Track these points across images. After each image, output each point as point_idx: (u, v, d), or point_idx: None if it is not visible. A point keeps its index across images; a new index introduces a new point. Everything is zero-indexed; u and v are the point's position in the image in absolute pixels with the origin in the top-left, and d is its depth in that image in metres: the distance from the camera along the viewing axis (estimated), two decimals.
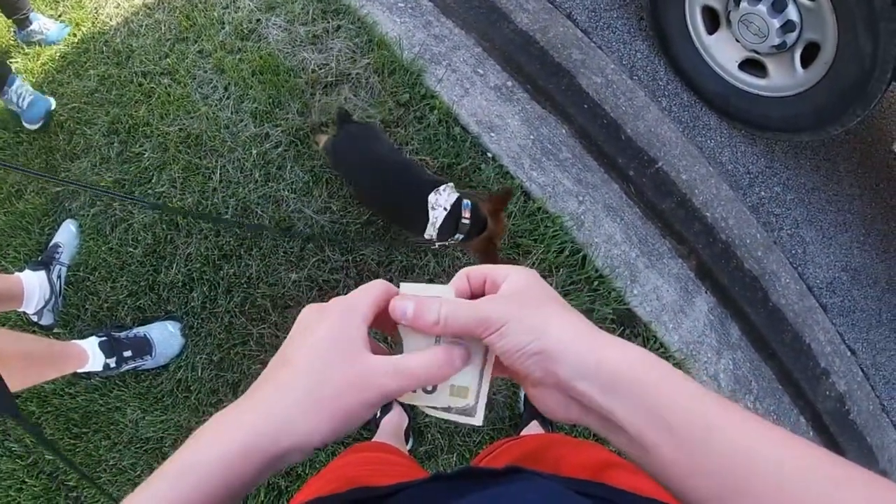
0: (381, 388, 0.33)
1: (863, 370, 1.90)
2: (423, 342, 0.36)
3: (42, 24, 1.76)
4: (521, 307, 0.34)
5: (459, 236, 1.11)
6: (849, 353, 1.88)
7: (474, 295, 0.37)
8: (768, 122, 1.74)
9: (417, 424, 1.39)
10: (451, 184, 1.10)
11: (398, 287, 0.37)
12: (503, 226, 1.15)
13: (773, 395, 1.73)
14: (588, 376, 0.31)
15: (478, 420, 0.36)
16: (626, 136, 1.70)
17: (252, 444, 0.31)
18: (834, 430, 1.83)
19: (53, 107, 1.67)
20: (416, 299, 0.35)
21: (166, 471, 0.31)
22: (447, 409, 0.37)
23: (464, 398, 0.36)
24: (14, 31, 1.78)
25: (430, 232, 1.09)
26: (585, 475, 0.57)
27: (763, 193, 1.84)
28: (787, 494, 0.27)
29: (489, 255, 1.16)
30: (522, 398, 1.43)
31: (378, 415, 1.35)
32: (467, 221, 1.07)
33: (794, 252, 1.84)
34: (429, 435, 1.38)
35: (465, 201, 1.10)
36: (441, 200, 1.07)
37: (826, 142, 1.97)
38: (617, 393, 0.31)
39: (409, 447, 1.38)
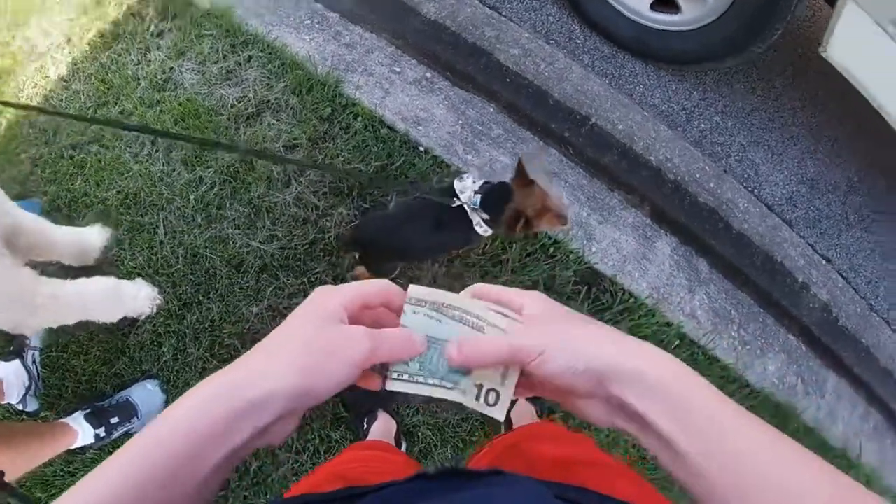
0: (353, 342, 0.35)
1: (842, 275, 1.90)
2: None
3: None
4: (554, 333, 0.37)
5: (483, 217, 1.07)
6: (824, 262, 1.89)
7: None
8: (691, 55, 1.75)
9: (406, 426, 1.40)
10: (472, 172, 1.10)
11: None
12: (534, 198, 1.06)
13: (755, 319, 1.73)
14: (634, 386, 0.34)
15: (500, 415, 0.38)
16: (555, 100, 1.70)
17: (222, 391, 0.33)
18: (826, 340, 1.83)
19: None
20: (472, 342, 0.37)
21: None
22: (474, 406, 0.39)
23: (489, 403, 0.38)
24: None
25: (477, 218, 1.07)
26: (557, 472, 0.58)
27: (703, 126, 1.85)
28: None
29: (522, 227, 1.07)
30: None
31: (365, 426, 1.36)
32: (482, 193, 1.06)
33: (746, 176, 1.85)
34: (419, 434, 1.39)
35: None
36: (468, 183, 1.07)
37: (756, 62, 1.97)
38: (656, 400, 0.34)
39: (403, 450, 1.39)
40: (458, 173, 1.53)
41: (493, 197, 1.07)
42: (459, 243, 1.13)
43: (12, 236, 1.27)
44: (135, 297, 1.39)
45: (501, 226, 1.09)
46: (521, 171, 1.08)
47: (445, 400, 0.39)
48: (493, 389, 0.38)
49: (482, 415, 0.41)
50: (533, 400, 1.40)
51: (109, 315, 1.36)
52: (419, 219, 1.15)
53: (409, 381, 0.38)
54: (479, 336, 0.38)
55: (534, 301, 0.39)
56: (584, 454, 0.70)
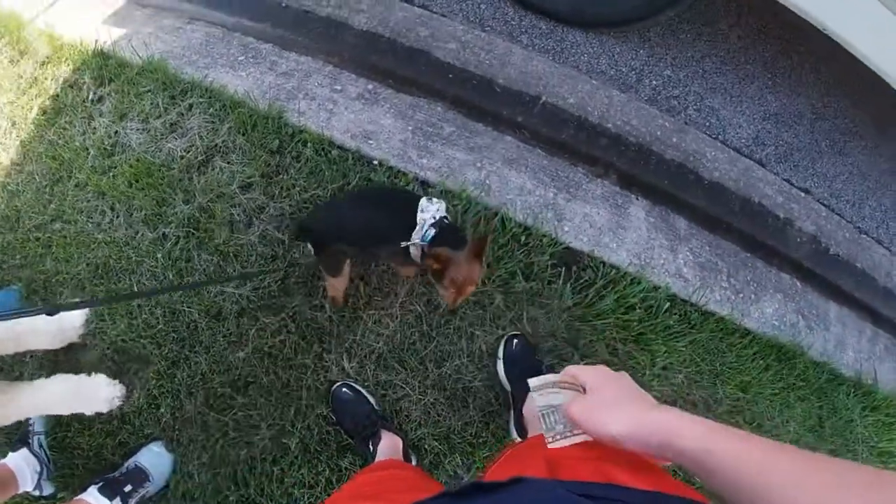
0: None
1: (824, 204, 1.88)
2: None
3: None
4: (590, 411, 0.53)
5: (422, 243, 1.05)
6: (803, 195, 1.86)
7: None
8: (628, 14, 1.72)
9: (412, 440, 1.39)
10: (443, 202, 1.09)
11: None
12: (466, 271, 1.03)
13: (744, 265, 1.71)
14: (651, 449, 0.48)
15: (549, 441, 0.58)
16: (501, 87, 1.68)
17: None
18: (819, 271, 1.81)
19: None
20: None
21: None
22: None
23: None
24: None
25: (415, 235, 1.05)
26: (579, 470, 0.60)
27: (655, 82, 1.82)
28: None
29: (446, 286, 1.06)
30: (503, 377, 1.43)
31: (371, 448, 1.35)
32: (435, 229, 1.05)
33: (708, 124, 1.82)
34: (426, 446, 1.38)
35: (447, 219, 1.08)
36: (431, 209, 1.06)
37: (697, 9, 1.94)
38: (681, 455, 0.45)
39: (413, 464, 1.38)
40: (417, 181, 1.52)
41: (445, 235, 1.05)
42: (393, 240, 1.09)
43: None
44: (95, 398, 1.40)
45: (423, 260, 1.07)
46: (479, 249, 1.03)
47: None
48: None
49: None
50: None
51: (67, 412, 1.39)
52: (368, 200, 1.17)
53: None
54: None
55: (591, 379, 0.55)
56: (603, 450, 0.70)
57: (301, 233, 1.32)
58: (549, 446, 0.57)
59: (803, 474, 0.37)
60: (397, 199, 1.22)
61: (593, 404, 0.53)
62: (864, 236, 1.94)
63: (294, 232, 1.44)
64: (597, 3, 1.72)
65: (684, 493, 0.53)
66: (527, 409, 1.37)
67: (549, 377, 0.60)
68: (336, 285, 1.34)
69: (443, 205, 1.08)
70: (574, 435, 0.57)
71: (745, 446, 0.41)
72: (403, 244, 1.06)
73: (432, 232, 1.04)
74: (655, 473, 0.62)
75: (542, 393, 0.60)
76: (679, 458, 0.45)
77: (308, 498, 1.42)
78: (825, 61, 1.96)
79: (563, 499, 0.43)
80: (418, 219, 1.05)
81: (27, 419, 1.60)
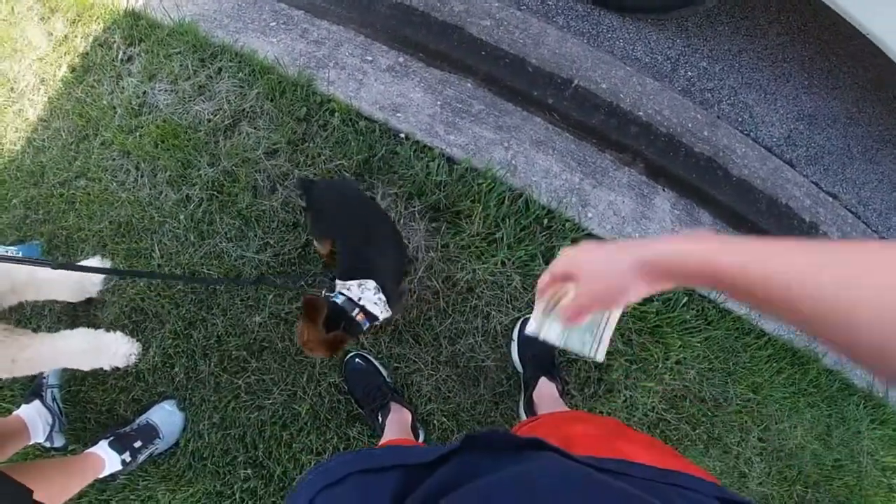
0: None
1: (851, 210, 1.84)
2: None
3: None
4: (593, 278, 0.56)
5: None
6: (831, 200, 1.83)
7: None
8: (666, 1, 1.68)
9: (420, 414, 1.39)
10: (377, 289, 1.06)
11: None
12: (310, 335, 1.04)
13: None
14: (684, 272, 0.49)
15: (600, 357, 0.64)
16: (533, 67, 1.66)
17: None
18: None
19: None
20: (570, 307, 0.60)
21: None
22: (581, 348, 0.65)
23: (589, 341, 0.64)
24: None
25: (347, 292, 1.05)
26: (592, 446, 0.60)
27: (690, 73, 1.79)
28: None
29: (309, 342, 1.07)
30: (516, 359, 1.42)
31: (380, 419, 1.36)
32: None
33: (740, 120, 1.79)
34: (434, 422, 1.39)
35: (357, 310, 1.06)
36: (355, 289, 1.05)
37: (735, 1, 1.90)
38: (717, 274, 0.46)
39: (421, 440, 1.39)
40: (443, 156, 1.51)
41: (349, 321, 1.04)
42: (350, 265, 1.11)
43: (9, 294, 1.29)
44: (113, 353, 1.42)
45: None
46: (313, 313, 1.01)
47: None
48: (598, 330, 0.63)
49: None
50: (552, 377, 1.37)
51: (86, 366, 1.41)
52: (361, 216, 1.17)
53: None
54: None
55: (564, 267, 0.59)
56: (616, 429, 0.70)
57: (302, 188, 1.35)
58: (598, 359, 0.62)
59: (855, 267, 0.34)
60: (386, 236, 1.19)
61: (592, 278, 0.55)
62: None
63: (297, 183, 1.46)
64: None
65: (694, 470, 0.52)
66: (537, 394, 1.37)
67: (536, 312, 0.63)
68: (319, 248, 1.37)
69: (375, 289, 1.05)
70: (606, 331, 0.61)
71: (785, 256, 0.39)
72: (334, 290, 1.05)
73: (357, 312, 1.03)
74: (664, 450, 0.62)
75: (546, 332, 0.63)
76: (716, 277, 0.44)
77: (316, 464, 1.43)
78: (863, 65, 1.91)
79: (580, 475, 0.44)
80: (359, 294, 1.04)
81: (41, 372, 1.62)
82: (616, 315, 0.62)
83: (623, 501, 0.41)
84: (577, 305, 0.57)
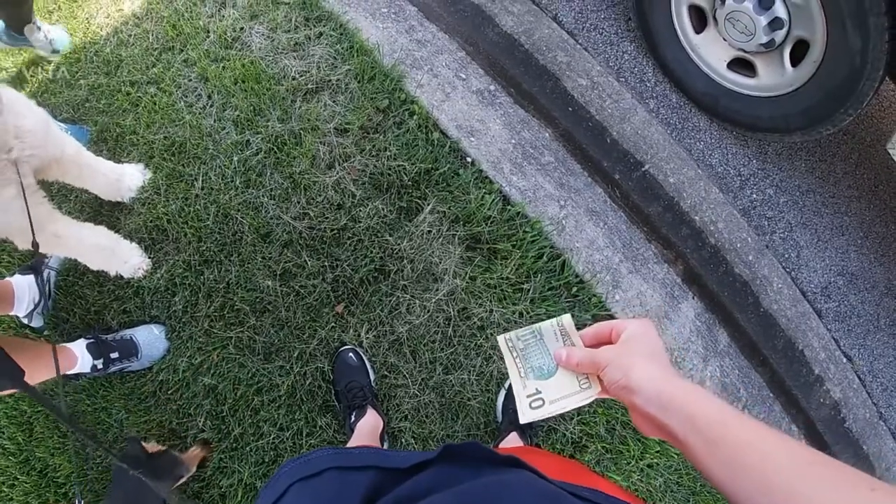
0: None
1: (859, 377, 1.85)
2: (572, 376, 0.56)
3: (47, 31, 1.76)
4: (620, 354, 0.51)
5: None
6: (844, 360, 1.83)
7: (601, 342, 0.56)
8: (758, 122, 1.70)
9: (392, 429, 1.39)
10: None
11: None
12: None
13: (763, 402, 1.69)
14: (653, 403, 0.46)
15: (522, 417, 0.55)
16: (612, 139, 1.67)
17: None
18: (828, 438, 1.78)
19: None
20: (571, 350, 0.56)
21: None
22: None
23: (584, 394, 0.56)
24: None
25: None
26: (564, 477, 0.60)
27: (755, 196, 1.80)
28: (771, 473, 0.39)
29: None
30: (500, 407, 1.42)
31: (353, 419, 1.36)
32: None
33: (787, 256, 1.80)
34: (403, 439, 1.39)
35: None
36: None
37: (821, 142, 1.92)
38: (669, 412, 0.45)
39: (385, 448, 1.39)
40: (500, 193, 1.52)
41: None
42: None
43: (53, 164, 1.29)
44: (124, 262, 1.44)
45: None
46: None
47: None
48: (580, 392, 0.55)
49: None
50: (522, 434, 1.38)
51: (96, 265, 1.43)
52: None
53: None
54: (578, 349, 0.55)
55: (629, 329, 0.53)
56: (581, 469, 0.70)
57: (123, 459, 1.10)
58: (521, 418, 0.54)
59: (805, 467, 0.38)
60: None
61: (626, 349, 0.51)
62: (882, 423, 1.90)
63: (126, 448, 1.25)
64: (734, 98, 1.70)
65: None
66: (503, 445, 1.37)
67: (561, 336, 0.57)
68: None
69: None
70: (555, 403, 0.53)
71: (756, 433, 0.42)
72: None
73: None
74: (635, 498, 0.63)
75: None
76: (684, 426, 0.44)
77: (274, 438, 1.43)
78: None
79: (556, 494, 0.46)
80: None
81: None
82: (581, 400, 0.55)
83: None
84: (584, 353, 0.54)
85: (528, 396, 0.55)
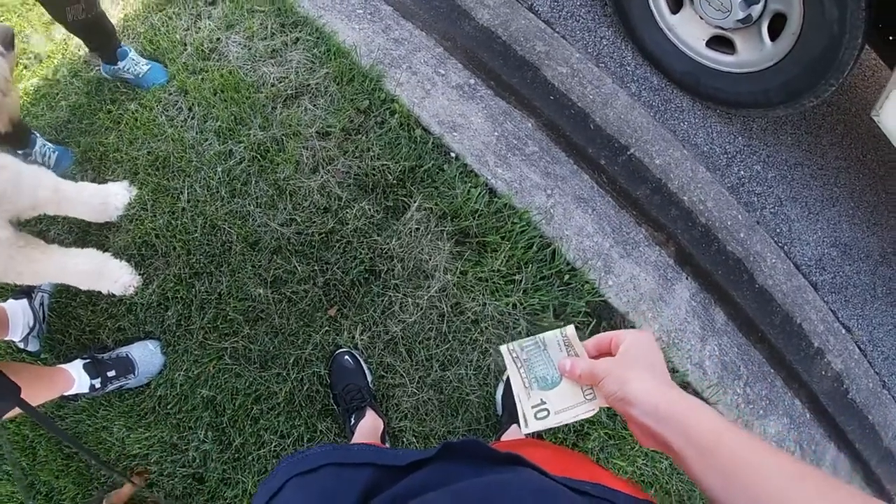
0: None
1: (859, 347, 1.84)
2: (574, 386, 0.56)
3: (134, 60, 1.66)
4: (618, 366, 0.51)
5: None
6: (843, 331, 1.83)
7: (602, 353, 0.56)
8: (740, 98, 1.70)
9: (392, 429, 1.39)
10: None
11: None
12: None
13: (764, 379, 1.68)
14: (650, 415, 0.46)
15: (525, 427, 0.55)
16: (595, 125, 1.67)
17: None
18: (832, 410, 1.78)
19: None
20: (575, 361, 0.56)
21: None
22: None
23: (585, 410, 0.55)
24: (99, 66, 1.72)
25: None
26: (565, 471, 0.60)
27: (742, 173, 1.80)
28: (764, 483, 0.40)
29: None
30: (499, 401, 1.42)
31: (353, 421, 1.35)
32: None
33: (778, 231, 1.79)
34: (404, 439, 1.38)
35: None
36: None
37: (806, 115, 1.92)
38: (665, 424, 0.45)
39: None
40: (486, 186, 1.51)
41: None
42: None
43: (28, 210, 1.29)
44: (114, 281, 1.42)
45: None
46: None
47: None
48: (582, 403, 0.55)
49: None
50: None
51: (85, 286, 1.42)
52: None
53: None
54: (580, 360, 0.55)
55: (627, 341, 0.53)
56: (584, 461, 0.70)
57: None
58: (523, 429, 0.54)
59: (798, 480, 0.39)
60: None
61: (623, 361, 0.51)
62: (886, 392, 1.90)
63: None
64: (715, 76, 1.70)
65: None
66: (505, 438, 1.37)
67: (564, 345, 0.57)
68: None
69: None
70: (560, 414, 0.53)
71: (750, 445, 0.43)
72: None
73: None
74: (636, 485, 0.63)
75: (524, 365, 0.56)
76: (679, 438, 0.45)
77: (275, 446, 1.43)
78: None
79: (555, 491, 0.46)
80: None
81: None
82: (585, 412, 0.54)
83: None
84: (585, 364, 0.54)
85: (533, 407, 0.54)
